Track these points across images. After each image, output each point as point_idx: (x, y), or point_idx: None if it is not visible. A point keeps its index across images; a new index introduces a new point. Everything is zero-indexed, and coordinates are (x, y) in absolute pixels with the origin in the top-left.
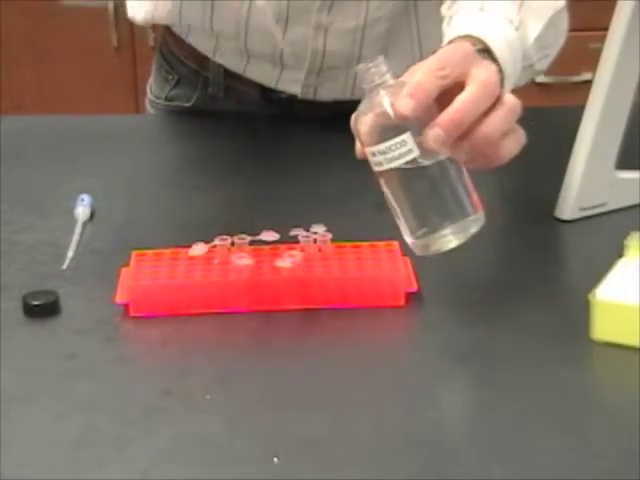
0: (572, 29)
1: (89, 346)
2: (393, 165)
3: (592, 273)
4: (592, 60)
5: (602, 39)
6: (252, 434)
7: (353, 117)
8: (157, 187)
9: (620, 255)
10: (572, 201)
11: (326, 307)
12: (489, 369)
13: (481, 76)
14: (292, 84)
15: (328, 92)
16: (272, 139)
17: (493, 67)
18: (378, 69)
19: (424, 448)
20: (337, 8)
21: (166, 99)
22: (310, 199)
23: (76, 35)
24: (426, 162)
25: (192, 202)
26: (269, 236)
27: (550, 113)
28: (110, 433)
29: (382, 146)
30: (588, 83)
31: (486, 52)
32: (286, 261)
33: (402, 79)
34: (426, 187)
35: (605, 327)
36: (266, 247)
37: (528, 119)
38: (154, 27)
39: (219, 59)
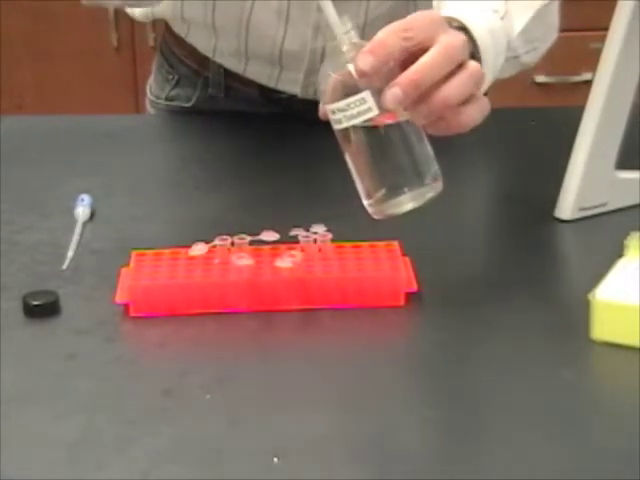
0: (572, 29)
1: (89, 346)
2: (351, 123)
3: (592, 273)
4: (592, 60)
5: (602, 39)
6: (252, 434)
7: (319, 76)
8: (157, 187)
9: (620, 255)
10: (572, 201)
11: (326, 307)
12: (489, 369)
13: (444, 40)
14: (292, 84)
15: None
16: (272, 139)
17: (461, 36)
18: (344, 27)
19: (424, 448)
20: (337, 7)
21: (166, 99)
22: (310, 199)
23: (76, 35)
24: (385, 122)
25: (192, 202)
26: (269, 236)
27: (550, 113)
28: (110, 433)
29: (342, 103)
30: (588, 83)
31: (464, 31)
32: (286, 261)
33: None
34: (384, 149)
35: (605, 327)
36: (266, 247)
37: (528, 119)
38: (154, 27)
39: (219, 59)
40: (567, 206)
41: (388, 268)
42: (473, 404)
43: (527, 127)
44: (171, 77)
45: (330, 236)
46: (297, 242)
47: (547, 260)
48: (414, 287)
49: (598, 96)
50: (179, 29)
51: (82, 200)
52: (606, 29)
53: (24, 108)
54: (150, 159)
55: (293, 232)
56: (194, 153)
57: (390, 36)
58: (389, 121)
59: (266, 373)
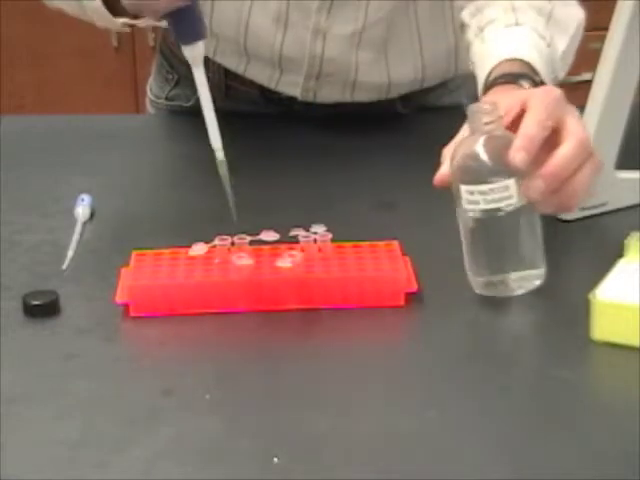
0: None
1: (89, 346)
2: (490, 207)
3: (592, 273)
4: (592, 60)
5: (602, 39)
6: (252, 434)
7: (450, 145)
8: (157, 187)
9: (620, 255)
10: None
11: (326, 307)
12: (489, 369)
13: (578, 131)
14: (291, 87)
15: (328, 95)
16: (272, 139)
17: (578, 116)
18: (489, 114)
19: (424, 448)
20: (336, 10)
21: (166, 99)
22: (310, 199)
23: (76, 35)
24: (516, 207)
25: (192, 202)
26: (269, 236)
27: None
28: (110, 433)
29: (484, 187)
30: (588, 83)
31: (533, 72)
32: (286, 261)
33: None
34: (505, 233)
35: (605, 327)
36: (266, 247)
37: None
38: (154, 27)
39: (219, 59)
40: None
41: (388, 268)
42: (473, 404)
43: None
44: (171, 77)
45: (330, 236)
46: (297, 242)
47: (547, 260)
48: (414, 287)
49: (598, 96)
50: None
51: (82, 200)
52: (606, 29)
53: (24, 108)
54: (150, 159)
55: (293, 232)
56: (194, 153)
57: (534, 127)
58: (519, 207)
59: (266, 373)
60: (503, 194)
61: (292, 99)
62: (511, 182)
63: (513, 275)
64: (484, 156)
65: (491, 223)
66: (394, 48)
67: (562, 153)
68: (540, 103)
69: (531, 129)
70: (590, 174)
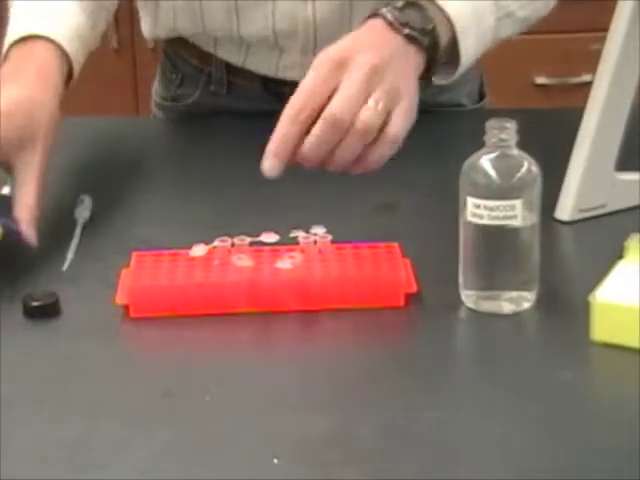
0: (572, 30)
1: (89, 347)
2: (493, 223)
3: (592, 274)
4: (592, 62)
5: (602, 40)
6: (252, 434)
7: (468, 163)
8: (157, 188)
9: (620, 256)
10: (572, 202)
11: (326, 308)
12: (489, 369)
13: (330, 107)
14: (292, 69)
15: None
16: None
17: (361, 75)
18: (505, 132)
19: (424, 448)
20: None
21: (172, 99)
22: (310, 200)
23: None
24: (519, 226)
25: (192, 203)
26: (269, 237)
27: (550, 115)
28: (110, 433)
29: (491, 203)
30: (588, 85)
31: (435, 4)
32: (286, 262)
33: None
34: (507, 250)
35: (605, 328)
36: (266, 248)
37: (528, 120)
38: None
39: (219, 52)
40: (567, 207)
41: (388, 269)
42: (473, 404)
43: (527, 129)
44: (175, 77)
45: (330, 237)
46: (297, 243)
47: (547, 261)
48: (414, 288)
49: (598, 97)
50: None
51: (82, 201)
52: (606, 30)
53: None
54: (150, 159)
55: (293, 233)
56: (195, 153)
57: (284, 125)
58: (521, 227)
59: (266, 373)
60: (508, 213)
61: (293, 90)
62: (518, 203)
63: (505, 294)
64: (493, 173)
65: (492, 239)
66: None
67: (310, 138)
68: (299, 90)
69: (278, 131)
70: (351, 151)
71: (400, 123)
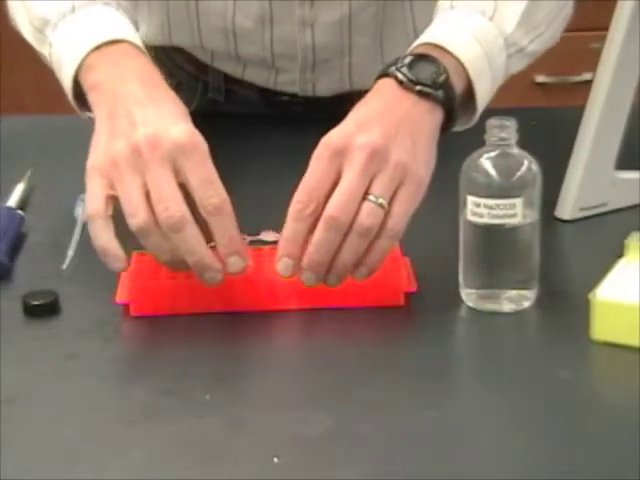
0: (572, 29)
1: (89, 346)
2: (492, 222)
3: (592, 273)
4: (592, 60)
5: (602, 39)
6: (252, 434)
7: (468, 161)
8: None
9: (620, 255)
10: (572, 201)
11: (326, 307)
12: (489, 369)
13: (329, 207)
14: (290, 85)
15: (326, 85)
16: (272, 140)
17: (358, 168)
18: (505, 131)
19: (424, 448)
20: (319, 1)
21: None
22: None
23: None
24: (519, 226)
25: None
26: (269, 236)
27: (550, 113)
28: (110, 433)
29: (491, 201)
30: (588, 83)
31: (446, 53)
32: None
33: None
34: (506, 249)
35: (605, 327)
36: (266, 247)
37: (528, 119)
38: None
39: (217, 65)
40: (567, 206)
41: (388, 268)
42: (473, 404)
43: (527, 127)
44: (169, 83)
45: None
46: None
47: (547, 260)
48: (414, 287)
49: (598, 96)
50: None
51: (82, 200)
52: (606, 29)
53: (24, 108)
54: None
55: None
56: None
57: (290, 226)
58: (521, 225)
59: (266, 373)
60: (509, 211)
61: (292, 100)
62: (518, 201)
63: (505, 293)
64: (493, 172)
65: (492, 237)
66: (388, 31)
67: (314, 240)
68: (303, 184)
69: (287, 230)
70: (354, 251)
71: (402, 214)
